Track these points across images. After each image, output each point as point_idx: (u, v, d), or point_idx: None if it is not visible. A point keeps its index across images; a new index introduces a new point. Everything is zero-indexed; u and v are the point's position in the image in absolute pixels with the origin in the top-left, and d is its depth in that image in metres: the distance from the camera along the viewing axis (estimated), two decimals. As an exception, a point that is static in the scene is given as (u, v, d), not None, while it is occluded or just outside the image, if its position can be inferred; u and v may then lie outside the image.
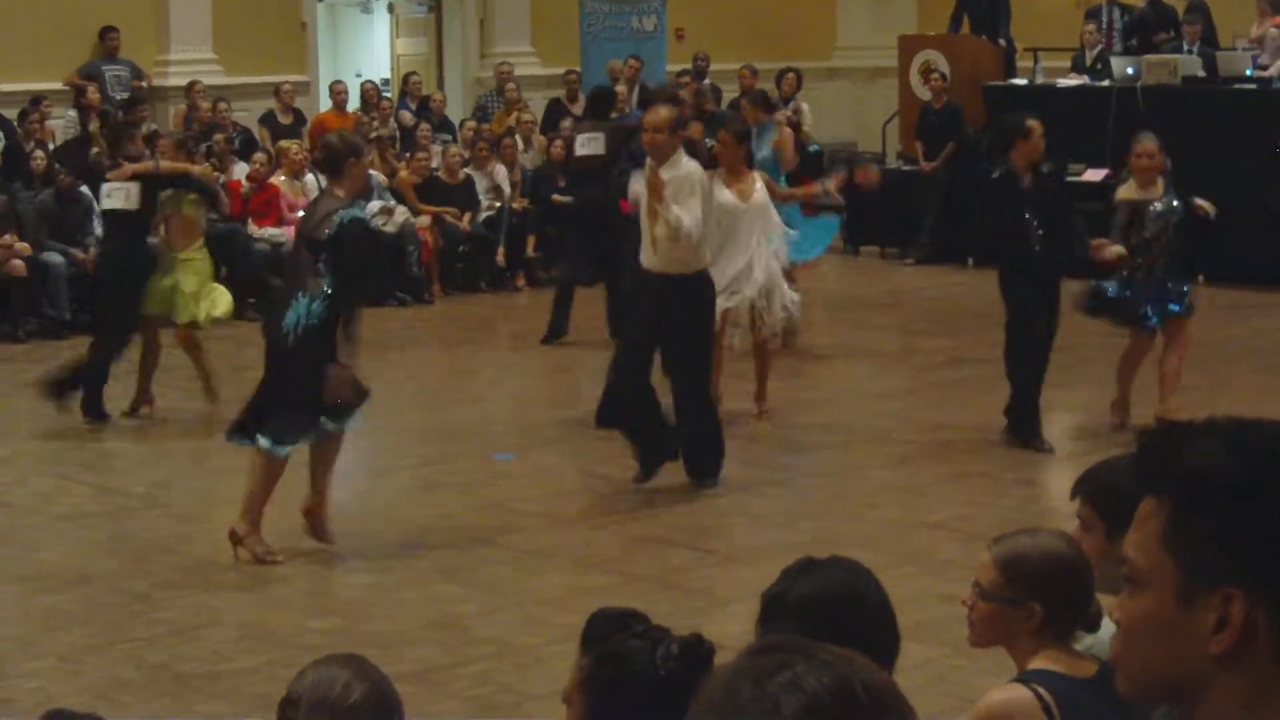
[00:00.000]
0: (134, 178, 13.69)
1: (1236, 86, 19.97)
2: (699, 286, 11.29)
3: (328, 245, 10.00)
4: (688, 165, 11.17)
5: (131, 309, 13.66)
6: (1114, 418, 12.94)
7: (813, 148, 22.96)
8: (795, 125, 22.39)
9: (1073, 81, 21.51)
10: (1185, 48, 21.04)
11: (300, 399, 10.09)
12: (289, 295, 10.20)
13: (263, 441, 10.11)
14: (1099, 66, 21.52)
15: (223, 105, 20.63)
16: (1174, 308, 12.74)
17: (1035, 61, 22.36)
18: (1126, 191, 12.71)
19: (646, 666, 3.76)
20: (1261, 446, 2.13)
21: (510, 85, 22.88)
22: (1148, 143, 12.72)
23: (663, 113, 11.34)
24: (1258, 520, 2.09)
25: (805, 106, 22.69)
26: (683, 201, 10.95)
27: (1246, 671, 2.09)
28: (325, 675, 3.95)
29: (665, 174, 10.93)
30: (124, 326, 13.74)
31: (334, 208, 10.08)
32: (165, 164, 13.86)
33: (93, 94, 19.83)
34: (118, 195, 13.77)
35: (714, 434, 11.64)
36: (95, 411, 13.72)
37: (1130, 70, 20.31)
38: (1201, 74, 20.23)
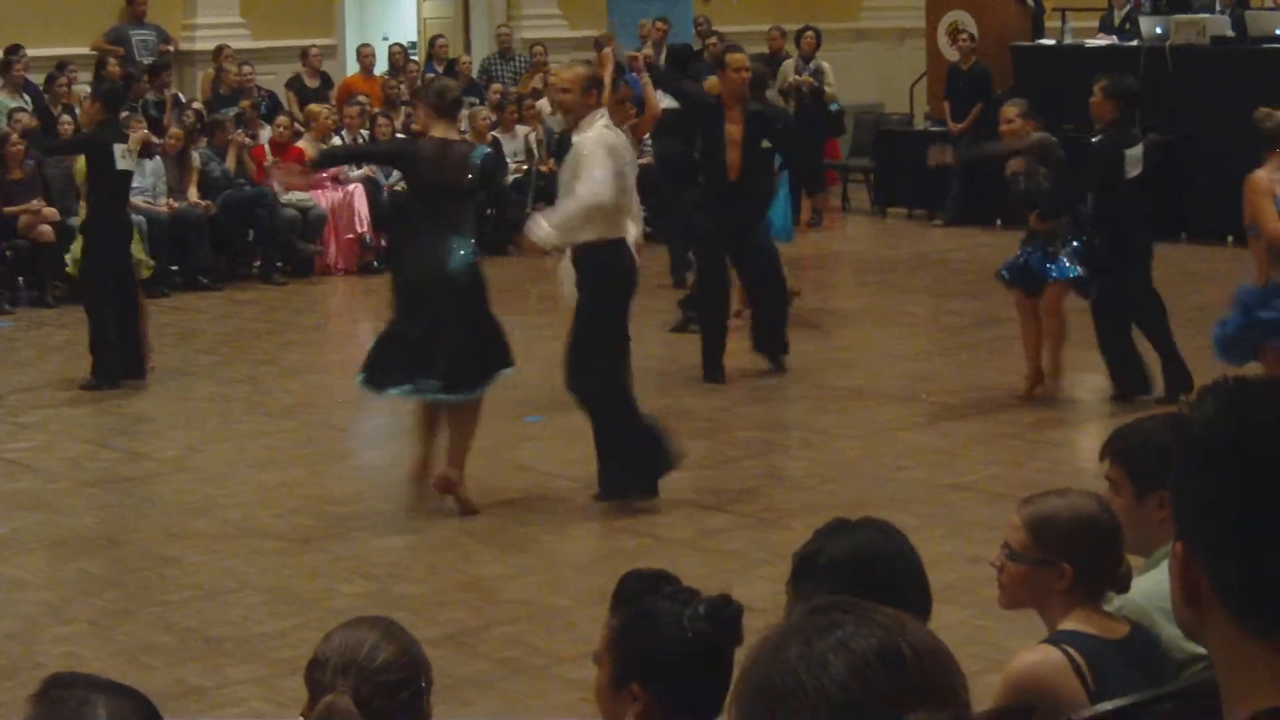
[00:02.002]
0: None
1: (1265, 46, 19.86)
2: (609, 258, 10.48)
3: (477, 186, 10.54)
4: (598, 129, 10.38)
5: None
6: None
7: (834, 107, 22.95)
8: (817, 85, 22.45)
9: (1101, 41, 21.41)
10: (1216, 8, 20.93)
11: (479, 342, 10.48)
12: (437, 244, 10.28)
13: (450, 396, 10.40)
14: (1128, 26, 21.40)
15: (247, 69, 20.60)
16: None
17: (1063, 21, 22.23)
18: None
19: (675, 627, 3.77)
20: (1215, 420, 2.13)
21: (538, 49, 22.90)
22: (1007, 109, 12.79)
23: (577, 70, 10.90)
24: (1187, 489, 2.13)
25: (826, 65, 22.69)
26: (582, 171, 10.27)
27: (1212, 629, 2.12)
28: (353, 637, 3.95)
29: (575, 137, 10.46)
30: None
31: (465, 151, 10.48)
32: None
33: (112, 67, 19.62)
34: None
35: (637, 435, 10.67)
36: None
37: (1159, 30, 20.22)
38: (1230, 34, 20.13)
